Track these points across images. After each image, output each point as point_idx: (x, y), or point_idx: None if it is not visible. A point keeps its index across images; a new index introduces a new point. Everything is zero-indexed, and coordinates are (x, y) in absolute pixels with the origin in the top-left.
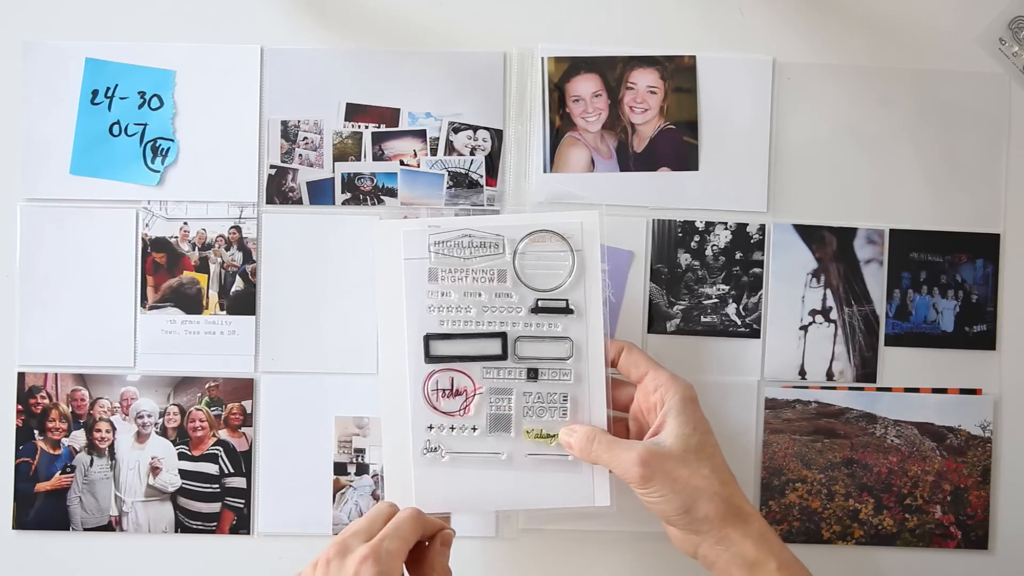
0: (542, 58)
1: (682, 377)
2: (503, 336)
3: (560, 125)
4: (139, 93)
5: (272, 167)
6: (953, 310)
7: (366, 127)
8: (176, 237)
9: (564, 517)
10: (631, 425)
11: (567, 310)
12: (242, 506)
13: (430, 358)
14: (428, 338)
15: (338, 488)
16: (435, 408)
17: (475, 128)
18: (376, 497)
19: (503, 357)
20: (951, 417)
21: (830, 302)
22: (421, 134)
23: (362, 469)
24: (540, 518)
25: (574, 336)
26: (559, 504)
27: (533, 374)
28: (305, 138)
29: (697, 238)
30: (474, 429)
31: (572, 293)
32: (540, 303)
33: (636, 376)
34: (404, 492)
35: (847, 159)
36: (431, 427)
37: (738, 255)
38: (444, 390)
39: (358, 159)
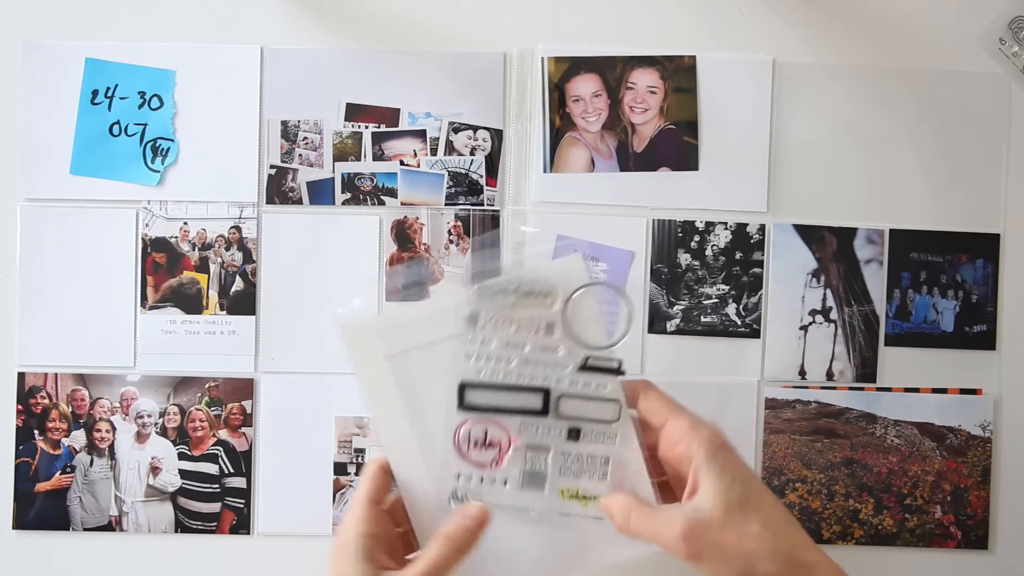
0: (542, 58)
1: (706, 421)
2: (546, 392)
3: (560, 125)
4: (139, 93)
5: (272, 167)
6: (953, 310)
7: (366, 127)
8: (176, 237)
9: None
10: (666, 468)
11: (619, 371)
12: (242, 506)
13: (464, 406)
14: (464, 386)
15: (338, 488)
16: (465, 457)
17: (475, 128)
18: None
19: (544, 413)
20: (951, 417)
21: (830, 302)
22: (421, 134)
23: (362, 469)
24: None
25: (622, 398)
26: (598, 562)
27: (575, 434)
28: (305, 138)
29: (697, 238)
30: (505, 483)
31: (623, 352)
32: (590, 362)
33: (656, 422)
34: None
35: (847, 159)
36: (459, 476)
37: (738, 255)
38: (476, 441)
39: (358, 159)
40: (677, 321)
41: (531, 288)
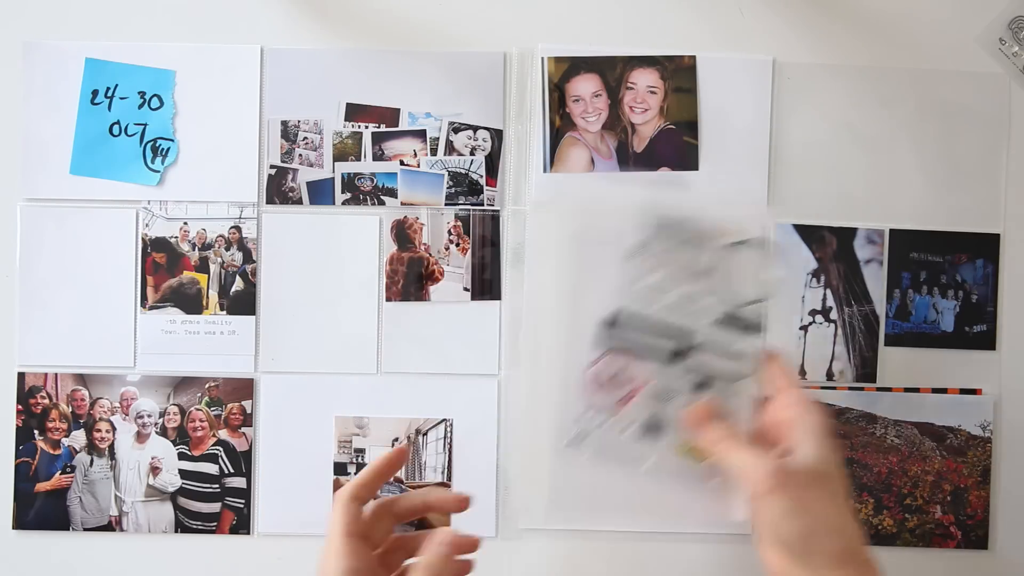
0: (542, 58)
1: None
2: (687, 338)
3: (560, 125)
4: (139, 93)
5: (272, 167)
6: (953, 310)
7: (366, 127)
8: (176, 237)
9: (565, 518)
10: (760, 433)
11: (759, 328)
12: (242, 506)
13: (612, 333)
14: (617, 314)
15: (338, 488)
16: (595, 392)
17: (475, 128)
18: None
19: (678, 360)
20: (951, 417)
21: (830, 302)
22: (421, 134)
23: (362, 469)
24: (539, 519)
25: (756, 357)
26: (692, 526)
27: (703, 386)
28: (305, 138)
29: None
30: (623, 431)
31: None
32: (735, 315)
33: (773, 389)
34: (537, 489)
35: (847, 159)
36: (582, 416)
37: None
38: (609, 377)
39: (358, 159)
40: None
41: (702, 232)
